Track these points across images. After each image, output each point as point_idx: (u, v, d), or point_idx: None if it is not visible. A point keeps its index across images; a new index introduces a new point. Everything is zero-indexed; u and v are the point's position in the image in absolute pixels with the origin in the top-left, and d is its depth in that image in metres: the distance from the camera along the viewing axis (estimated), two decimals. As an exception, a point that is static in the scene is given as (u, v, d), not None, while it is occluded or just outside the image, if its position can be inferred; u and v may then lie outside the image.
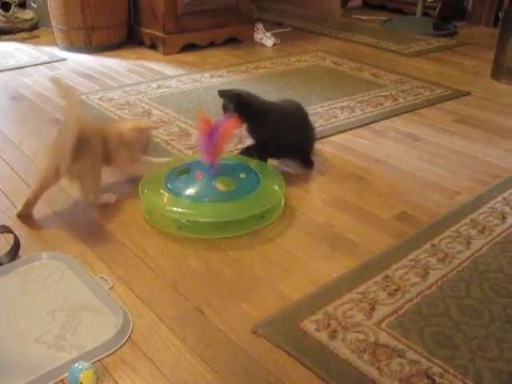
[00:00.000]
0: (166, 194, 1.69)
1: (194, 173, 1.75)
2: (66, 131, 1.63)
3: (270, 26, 4.04)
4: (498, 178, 2.00)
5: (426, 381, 1.15)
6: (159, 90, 2.84)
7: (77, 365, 1.13)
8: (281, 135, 1.92)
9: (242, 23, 3.76)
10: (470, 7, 4.46)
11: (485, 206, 1.81)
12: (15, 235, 1.55)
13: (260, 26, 3.84)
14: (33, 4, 4.01)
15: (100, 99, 2.69)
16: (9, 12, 3.80)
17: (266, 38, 3.77)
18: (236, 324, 1.31)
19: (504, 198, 1.85)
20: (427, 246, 1.60)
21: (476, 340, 1.25)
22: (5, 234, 1.59)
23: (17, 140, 2.25)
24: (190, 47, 3.56)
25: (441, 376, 1.15)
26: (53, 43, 3.59)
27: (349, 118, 2.50)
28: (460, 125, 2.48)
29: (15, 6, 3.85)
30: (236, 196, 1.67)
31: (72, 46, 3.48)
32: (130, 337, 1.26)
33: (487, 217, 1.74)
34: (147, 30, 3.58)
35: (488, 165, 2.11)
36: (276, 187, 1.76)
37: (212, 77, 3.05)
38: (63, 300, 1.38)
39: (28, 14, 3.91)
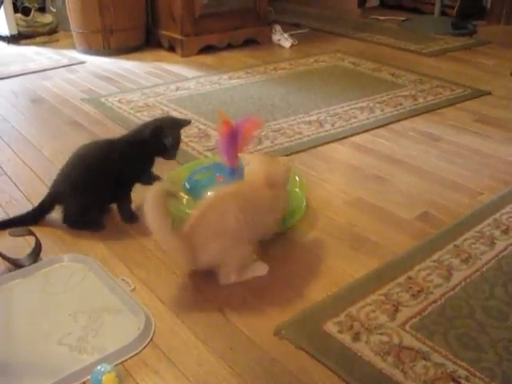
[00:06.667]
0: (186, 197, 1.69)
1: (215, 175, 1.75)
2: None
3: (287, 27, 4.03)
4: (521, 177, 1.98)
5: (451, 384, 1.13)
6: (178, 92, 2.84)
7: (99, 367, 1.14)
8: None
9: (259, 25, 3.76)
10: (488, 5, 4.41)
11: (508, 206, 1.78)
12: (36, 237, 1.56)
13: (278, 27, 3.83)
14: (52, 8, 4.04)
15: (119, 101, 2.70)
16: (29, 16, 3.83)
17: (283, 39, 3.76)
18: (258, 326, 1.30)
19: (527, 198, 1.83)
20: (450, 246, 1.58)
21: (502, 342, 1.23)
22: (26, 237, 1.60)
23: (37, 142, 2.26)
24: (208, 49, 3.56)
25: (467, 379, 1.14)
26: (72, 46, 3.62)
27: (368, 119, 2.48)
28: (481, 124, 2.45)
29: (35, 10, 3.88)
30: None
31: (91, 49, 3.50)
32: (151, 339, 1.26)
33: (511, 217, 1.72)
34: (165, 33, 3.59)
35: (510, 164, 2.08)
36: (297, 189, 1.75)
37: (230, 78, 3.05)
38: (85, 302, 1.38)
39: (47, 18, 3.93)
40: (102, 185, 1.65)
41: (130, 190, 1.73)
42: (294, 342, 1.25)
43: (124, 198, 1.73)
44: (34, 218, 1.69)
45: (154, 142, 1.67)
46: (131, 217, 1.72)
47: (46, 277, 1.48)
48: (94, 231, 1.67)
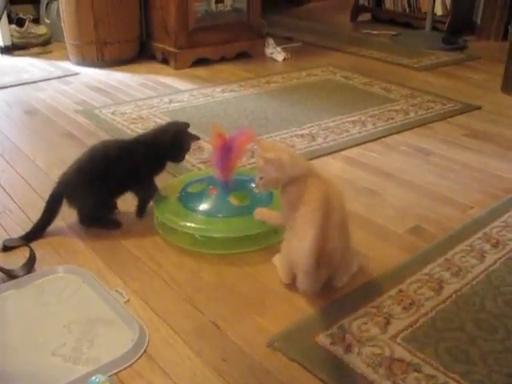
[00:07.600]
0: (181, 210, 1.70)
1: (208, 188, 1.76)
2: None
3: (280, 40, 4.06)
4: (510, 192, 2.00)
5: (442, 395, 1.15)
6: (171, 105, 2.86)
7: (93, 378, 1.14)
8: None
9: (252, 38, 3.79)
10: (479, 21, 4.47)
11: (497, 220, 1.81)
12: (31, 248, 1.57)
13: (270, 40, 3.86)
14: (46, 20, 4.05)
15: (112, 113, 2.71)
16: (23, 28, 3.84)
17: (276, 53, 3.79)
18: (251, 338, 1.31)
19: (517, 212, 1.85)
20: (441, 260, 1.60)
21: (492, 355, 1.25)
22: (21, 248, 1.60)
23: (31, 154, 2.27)
24: (201, 62, 3.58)
25: (457, 391, 1.16)
26: (65, 58, 3.63)
27: (360, 133, 2.51)
28: (471, 139, 2.48)
29: (29, 21, 3.89)
30: (250, 211, 1.65)
31: (84, 61, 3.51)
32: (145, 350, 1.27)
33: (500, 231, 1.74)
34: (159, 45, 3.62)
35: (500, 179, 2.11)
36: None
37: (223, 91, 3.07)
38: (79, 313, 1.39)
39: (41, 30, 3.95)
40: (111, 183, 1.69)
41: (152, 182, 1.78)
42: (286, 354, 1.26)
43: (145, 190, 1.78)
44: (48, 219, 1.71)
45: (173, 146, 1.73)
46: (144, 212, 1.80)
47: (40, 288, 1.48)
48: (112, 229, 1.75)
